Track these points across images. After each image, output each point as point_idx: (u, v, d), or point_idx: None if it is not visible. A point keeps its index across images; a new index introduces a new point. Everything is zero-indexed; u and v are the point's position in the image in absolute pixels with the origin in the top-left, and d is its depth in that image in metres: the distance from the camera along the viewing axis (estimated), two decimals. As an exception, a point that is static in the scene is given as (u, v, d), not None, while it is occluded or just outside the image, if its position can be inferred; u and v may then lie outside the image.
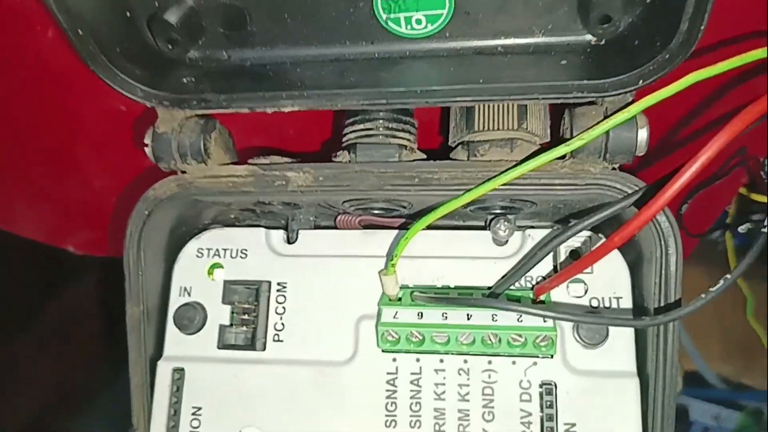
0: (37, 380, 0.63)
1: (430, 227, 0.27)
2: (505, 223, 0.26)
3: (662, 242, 0.22)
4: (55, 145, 0.39)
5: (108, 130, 0.37)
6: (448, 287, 0.26)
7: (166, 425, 0.26)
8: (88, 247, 0.47)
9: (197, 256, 0.28)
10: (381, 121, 0.26)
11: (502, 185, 0.23)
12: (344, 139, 0.26)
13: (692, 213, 0.38)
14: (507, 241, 0.26)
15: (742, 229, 0.72)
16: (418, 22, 0.24)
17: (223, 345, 0.26)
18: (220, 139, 0.26)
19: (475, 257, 0.26)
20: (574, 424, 0.24)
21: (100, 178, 0.41)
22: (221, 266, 0.28)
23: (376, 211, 0.28)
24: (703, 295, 0.20)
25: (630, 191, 0.23)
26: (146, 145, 0.25)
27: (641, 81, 0.21)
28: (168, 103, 0.24)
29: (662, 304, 0.23)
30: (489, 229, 0.26)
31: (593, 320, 0.23)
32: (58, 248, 0.47)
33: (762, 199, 0.45)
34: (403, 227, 0.28)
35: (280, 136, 0.32)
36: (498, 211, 0.27)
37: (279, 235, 0.28)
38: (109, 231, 0.45)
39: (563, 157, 0.23)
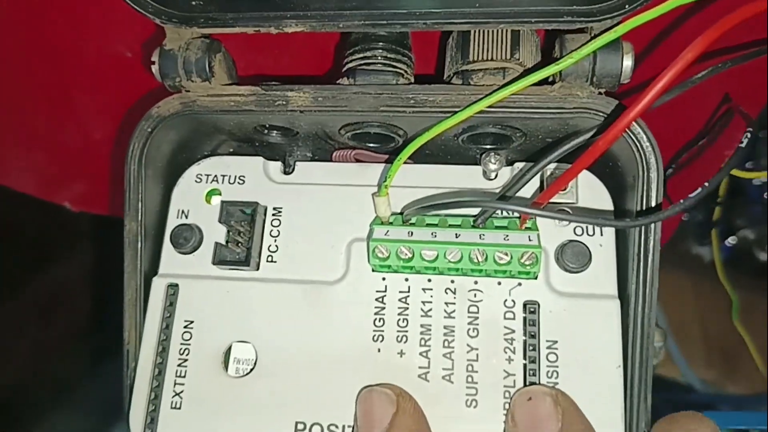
0: (11, 364, 0.62)
1: (422, 161, 0.28)
2: (495, 156, 0.27)
3: (642, 155, 0.23)
4: (54, 90, 0.39)
5: (110, 77, 0.38)
6: (438, 215, 0.27)
7: (158, 338, 0.26)
8: (85, 203, 0.47)
9: (196, 181, 0.29)
10: (380, 51, 0.27)
11: (494, 104, 0.24)
12: (344, 67, 0.27)
13: (679, 181, 0.39)
14: (497, 175, 0.27)
15: (730, 241, 0.74)
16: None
17: (217, 261, 0.27)
18: (224, 62, 0.27)
19: (464, 189, 0.27)
20: (555, 342, 0.24)
21: (99, 128, 0.41)
22: (219, 193, 0.28)
23: (371, 144, 0.29)
24: (681, 201, 0.21)
25: (612, 111, 0.24)
26: (153, 63, 0.26)
27: (627, 6, 0.23)
28: (177, 21, 0.25)
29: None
30: (480, 164, 0.27)
31: (581, 218, 0.24)
32: (53, 205, 0.48)
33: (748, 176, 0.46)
34: (397, 162, 0.28)
35: (280, 65, 0.33)
36: (488, 147, 0.28)
37: (276, 165, 0.29)
38: (109, 188, 0.46)
39: (552, 83, 0.25)
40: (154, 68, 0.26)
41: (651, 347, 0.24)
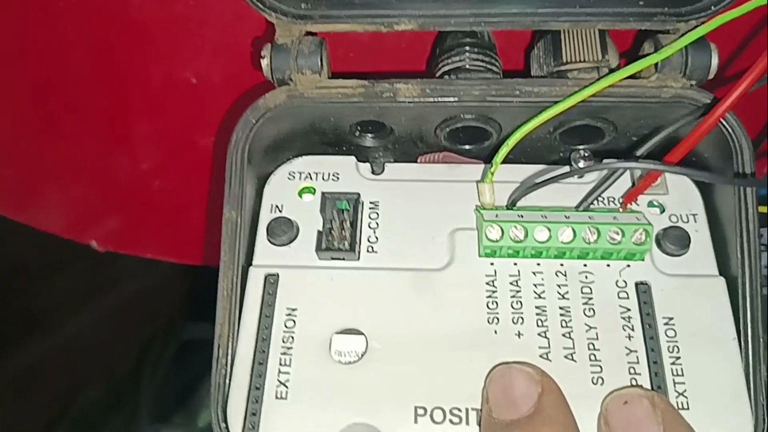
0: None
1: (514, 161, 0.29)
2: (585, 154, 0.28)
3: (734, 141, 0.25)
4: (111, 117, 0.39)
5: (170, 103, 0.39)
6: (536, 207, 0.27)
7: (258, 327, 0.25)
8: (114, 242, 0.45)
9: (288, 178, 0.29)
10: (475, 54, 0.29)
11: (596, 93, 0.25)
12: (439, 71, 0.29)
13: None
14: (584, 174, 0.28)
15: None
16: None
17: (322, 248, 0.26)
18: (328, 62, 0.28)
19: (558, 184, 0.28)
20: (671, 318, 0.25)
21: (149, 157, 0.41)
22: (312, 190, 0.28)
23: (463, 146, 0.30)
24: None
25: (708, 101, 0.26)
26: (263, 57, 0.27)
27: (713, 7, 0.25)
28: (292, 17, 0.26)
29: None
30: (570, 164, 0.28)
31: (701, 175, 0.25)
32: (77, 245, 0.46)
33: None
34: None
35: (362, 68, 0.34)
36: (578, 146, 0.29)
37: (366, 166, 0.29)
38: (142, 223, 0.45)
39: (647, 78, 0.27)
40: (264, 62, 0.27)
41: (761, 321, 0.25)
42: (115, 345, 0.75)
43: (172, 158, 0.41)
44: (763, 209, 0.46)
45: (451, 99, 0.27)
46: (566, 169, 0.27)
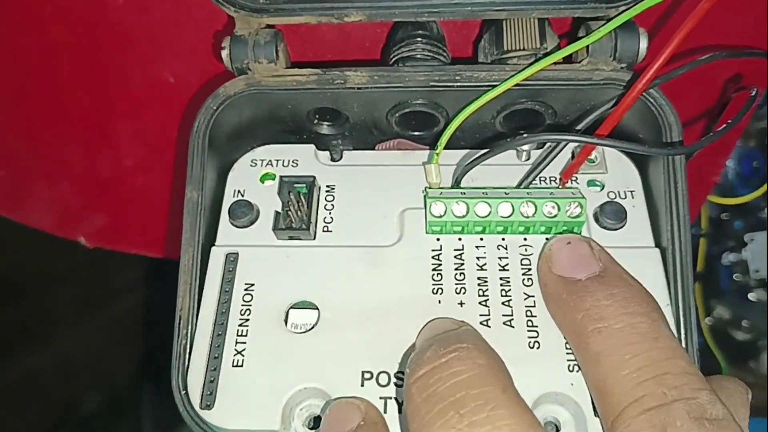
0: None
1: (464, 148, 0.30)
2: (528, 138, 0.30)
3: (662, 115, 0.27)
4: (94, 116, 0.41)
5: (151, 102, 0.41)
6: (481, 187, 0.29)
7: (217, 301, 0.27)
8: (102, 239, 0.47)
9: (251, 165, 0.30)
10: (423, 43, 0.30)
11: (531, 76, 0.27)
12: (391, 59, 0.31)
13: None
14: (529, 156, 0.30)
15: (707, 321, 0.76)
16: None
17: (278, 228, 0.28)
18: (284, 52, 0.30)
19: (500, 165, 0.30)
20: (606, 286, 0.26)
21: (132, 155, 0.43)
22: (273, 176, 0.30)
23: (414, 133, 0.31)
24: (705, 137, 0.24)
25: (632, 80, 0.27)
26: (223, 48, 0.29)
27: (641, -7, 0.27)
28: (248, 10, 0.28)
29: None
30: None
31: (629, 146, 0.26)
32: (66, 241, 0.48)
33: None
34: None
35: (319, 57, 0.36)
36: (521, 131, 0.31)
37: (325, 154, 0.31)
38: (128, 220, 0.47)
39: (579, 62, 0.28)
40: (224, 53, 0.29)
41: (691, 288, 0.26)
42: (116, 355, 0.76)
43: (154, 155, 0.43)
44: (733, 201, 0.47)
45: (397, 85, 0.28)
46: (505, 141, 0.28)
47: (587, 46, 0.28)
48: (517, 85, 0.27)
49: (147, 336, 0.76)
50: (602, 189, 0.29)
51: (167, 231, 0.47)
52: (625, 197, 0.28)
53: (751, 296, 0.72)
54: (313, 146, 0.31)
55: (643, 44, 0.28)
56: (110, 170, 0.44)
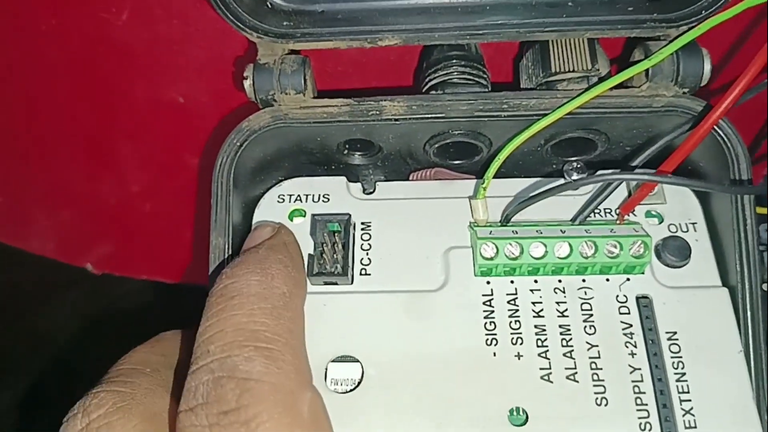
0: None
1: (507, 176, 0.28)
2: (578, 165, 0.28)
3: (730, 149, 0.25)
4: (97, 139, 0.39)
5: (158, 124, 0.38)
6: (531, 222, 0.27)
7: (250, 358, 0.24)
8: (109, 265, 0.45)
9: (278, 201, 0.28)
10: (462, 66, 0.28)
11: (584, 104, 0.25)
12: (426, 85, 0.28)
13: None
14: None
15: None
16: (499, -23, 0.27)
17: (313, 273, 0.26)
18: (312, 80, 0.28)
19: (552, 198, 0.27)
20: (675, 332, 0.24)
21: (138, 180, 0.41)
22: (302, 212, 0.28)
23: (453, 162, 0.29)
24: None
25: (701, 109, 0.25)
26: (245, 78, 0.26)
27: (703, 12, 0.25)
28: (273, 36, 0.26)
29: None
30: (563, 176, 0.28)
31: (701, 185, 0.25)
32: (73, 267, 0.45)
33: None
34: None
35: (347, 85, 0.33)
36: (571, 159, 0.28)
37: (357, 186, 0.29)
38: (136, 246, 0.44)
39: (638, 87, 0.26)
40: (247, 83, 0.26)
41: (763, 332, 0.24)
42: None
43: (161, 179, 0.41)
44: (762, 210, 0.45)
45: (438, 115, 0.26)
46: (560, 181, 0.26)
47: (647, 70, 0.25)
48: (569, 113, 0.25)
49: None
50: (661, 222, 0.27)
51: (179, 256, 0.44)
52: (687, 230, 0.26)
53: (765, 287, 0.70)
54: (344, 178, 0.29)
55: (707, 67, 0.25)
56: (116, 196, 0.41)
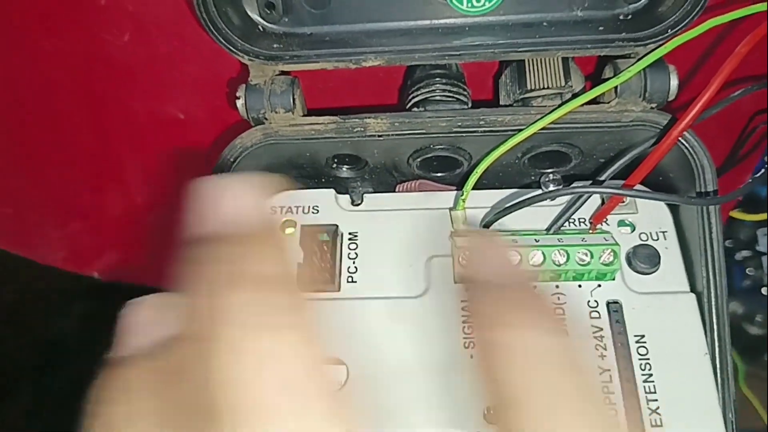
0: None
1: (488, 187, 0.30)
2: (554, 176, 0.29)
3: (696, 159, 0.26)
4: (101, 153, 0.41)
5: (160, 139, 0.40)
6: (508, 230, 0.28)
7: (242, 362, 0.26)
8: (116, 274, 0.47)
9: (270, 213, 0.30)
10: (443, 84, 0.30)
11: (558, 120, 0.26)
12: (409, 102, 0.30)
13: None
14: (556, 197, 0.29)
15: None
16: (478, 0, 0.29)
17: (300, 281, 0.27)
18: (301, 99, 0.29)
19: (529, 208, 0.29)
20: (643, 336, 0.25)
21: (142, 192, 0.42)
22: (293, 223, 0.29)
23: (436, 174, 0.31)
24: (737, 189, 0.23)
25: (667, 123, 0.27)
26: (238, 98, 0.28)
27: (669, 30, 0.26)
28: (263, 58, 0.28)
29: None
30: (540, 187, 0.29)
31: (666, 198, 0.27)
32: (81, 276, 0.47)
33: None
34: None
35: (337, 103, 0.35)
36: (547, 170, 0.30)
37: (345, 198, 0.30)
38: (141, 256, 0.46)
39: (607, 103, 0.28)
40: (240, 102, 0.28)
41: (728, 336, 0.25)
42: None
43: (165, 192, 0.42)
44: (762, 216, 0.46)
45: (419, 131, 0.28)
46: (536, 192, 0.28)
47: (616, 86, 0.27)
48: (543, 128, 0.27)
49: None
50: (633, 230, 0.28)
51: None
52: (658, 239, 0.28)
53: (764, 290, 0.71)
54: (332, 191, 0.30)
55: (674, 83, 0.27)
56: (120, 207, 0.43)
